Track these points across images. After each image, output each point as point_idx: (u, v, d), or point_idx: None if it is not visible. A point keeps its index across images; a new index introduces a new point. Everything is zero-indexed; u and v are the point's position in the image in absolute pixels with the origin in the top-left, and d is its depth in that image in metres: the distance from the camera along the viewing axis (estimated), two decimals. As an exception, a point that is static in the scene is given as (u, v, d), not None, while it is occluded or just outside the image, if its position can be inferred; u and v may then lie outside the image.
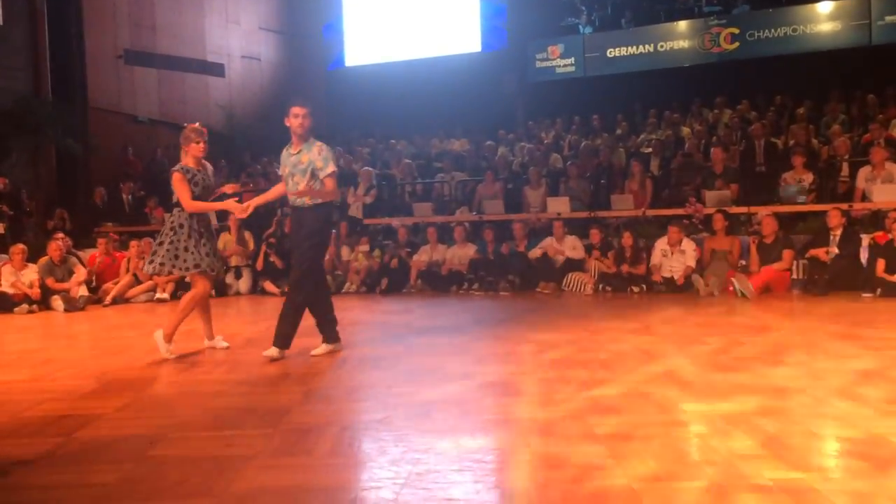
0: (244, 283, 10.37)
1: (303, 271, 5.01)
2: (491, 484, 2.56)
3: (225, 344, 5.52)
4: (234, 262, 10.50)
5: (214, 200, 5.46)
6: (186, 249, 5.15)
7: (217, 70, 16.83)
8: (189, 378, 4.56)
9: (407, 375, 4.41)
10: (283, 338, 5.03)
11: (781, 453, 2.76)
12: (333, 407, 3.72)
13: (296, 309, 5.03)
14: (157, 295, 9.71)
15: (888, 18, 13.94)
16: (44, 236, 11.02)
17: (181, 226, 5.17)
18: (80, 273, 9.36)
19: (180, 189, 5.14)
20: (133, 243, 10.20)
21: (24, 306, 8.69)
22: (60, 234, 10.21)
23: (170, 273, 5.33)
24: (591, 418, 3.29)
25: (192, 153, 5.25)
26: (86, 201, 13.45)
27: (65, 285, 9.11)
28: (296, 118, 5.01)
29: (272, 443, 3.07)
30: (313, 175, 4.97)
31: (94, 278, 9.80)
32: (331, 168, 5.02)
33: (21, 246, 9.37)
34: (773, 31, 14.78)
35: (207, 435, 3.22)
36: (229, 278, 10.36)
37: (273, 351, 4.98)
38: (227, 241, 10.57)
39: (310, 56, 18.49)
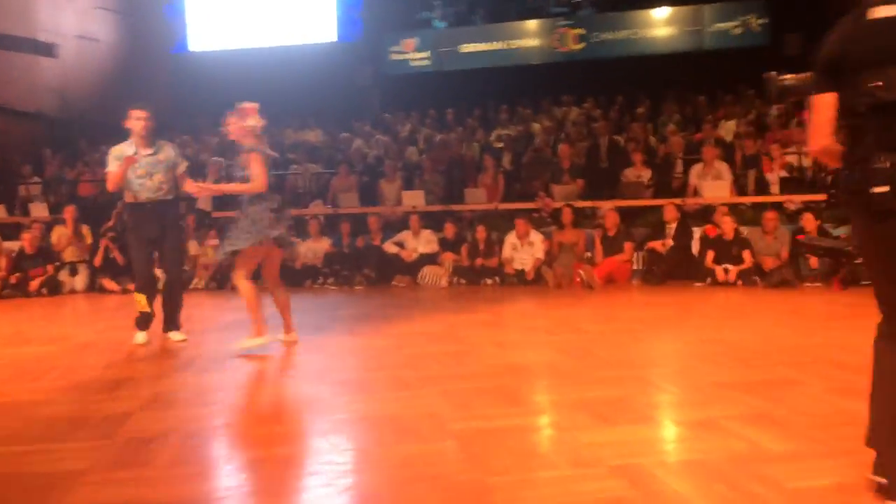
0: (80, 281, 9.67)
1: (181, 256, 5.71)
2: (343, 486, 2.51)
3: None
4: (68, 257, 9.77)
5: None
6: None
7: (48, 50, 15.55)
8: (14, 387, 4.18)
9: (256, 376, 4.26)
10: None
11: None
12: (176, 413, 3.52)
13: (181, 290, 5.60)
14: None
15: (717, 25, 15.07)
16: None
17: None
18: None
19: None
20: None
21: None
22: None
23: None
24: (444, 414, 3.31)
25: None
26: None
27: None
28: (139, 121, 5.26)
29: (107, 455, 2.86)
30: (174, 171, 5.42)
31: None
32: (185, 163, 5.58)
33: None
34: (615, 33, 15.58)
35: (33, 449, 2.96)
36: (63, 275, 9.62)
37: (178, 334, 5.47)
38: (61, 234, 9.82)
39: (151, 38, 17.46)
